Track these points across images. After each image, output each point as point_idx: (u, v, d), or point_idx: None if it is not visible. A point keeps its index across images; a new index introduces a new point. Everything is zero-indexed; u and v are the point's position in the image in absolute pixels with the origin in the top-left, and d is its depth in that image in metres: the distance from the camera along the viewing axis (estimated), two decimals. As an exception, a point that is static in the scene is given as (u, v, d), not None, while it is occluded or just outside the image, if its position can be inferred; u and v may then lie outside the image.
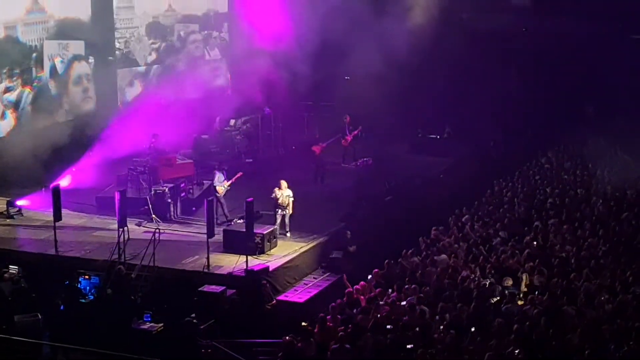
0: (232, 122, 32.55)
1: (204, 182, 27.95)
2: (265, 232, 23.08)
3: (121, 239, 22.29)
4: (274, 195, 24.44)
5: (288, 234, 24.66)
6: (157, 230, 22.63)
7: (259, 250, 22.84)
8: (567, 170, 29.74)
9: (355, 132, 32.07)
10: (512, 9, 39.65)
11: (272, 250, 23.26)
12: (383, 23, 33.25)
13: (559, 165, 30.47)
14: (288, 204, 24.49)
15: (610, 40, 37.87)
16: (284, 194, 24.44)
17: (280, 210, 24.50)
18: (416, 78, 34.97)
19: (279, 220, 24.45)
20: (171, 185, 26.26)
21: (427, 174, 30.77)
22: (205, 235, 22.28)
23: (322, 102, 35.89)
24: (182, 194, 26.55)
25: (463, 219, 24.86)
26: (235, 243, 22.97)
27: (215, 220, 23.41)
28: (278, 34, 32.94)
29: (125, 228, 22.60)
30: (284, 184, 24.51)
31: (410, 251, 22.25)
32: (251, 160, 30.58)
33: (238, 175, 25.96)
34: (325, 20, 31.71)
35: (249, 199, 22.47)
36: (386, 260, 21.50)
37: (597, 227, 23.02)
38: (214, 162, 28.61)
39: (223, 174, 25.62)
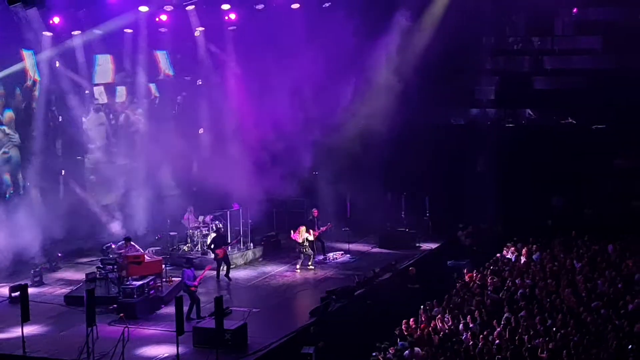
0: (201, 217, 32.59)
1: (173, 279, 27.95)
2: (234, 328, 22.93)
3: (90, 338, 22.03)
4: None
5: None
6: (127, 328, 22.41)
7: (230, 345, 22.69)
8: (536, 261, 29.81)
9: (324, 228, 32.22)
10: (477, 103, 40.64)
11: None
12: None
13: (529, 257, 30.55)
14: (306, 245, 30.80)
15: (576, 131, 38.62)
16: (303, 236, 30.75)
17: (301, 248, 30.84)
18: (386, 171, 35.63)
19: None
20: (140, 282, 26.14)
21: (396, 267, 30.83)
22: (175, 333, 22.11)
23: (292, 196, 36.32)
24: (151, 292, 26.42)
25: (433, 312, 24.83)
26: (205, 339, 22.78)
27: (185, 316, 23.29)
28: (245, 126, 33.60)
29: (94, 327, 22.36)
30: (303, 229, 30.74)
31: (384, 345, 22.17)
32: (219, 252, 30.55)
33: (207, 269, 26.28)
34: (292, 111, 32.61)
35: (218, 295, 22.40)
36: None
37: (567, 318, 23.03)
38: (183, 259, 28.81)
39: (191, 272, 25.59)
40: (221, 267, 29.72)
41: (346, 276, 30.16)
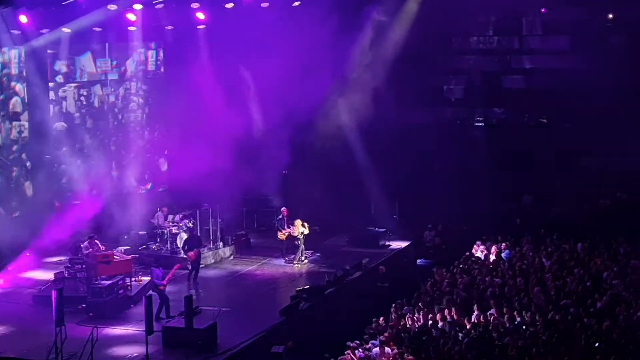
0: (170, 217, 32.48)
1: (142, 278, 27.85)
2: (204, 327, 22.87)
3: (58, 338, 21.89)
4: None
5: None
6: (95, 328, 22.29)
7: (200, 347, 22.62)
8: (505, 259, 29.96)
9: (294, 227, 32.17)
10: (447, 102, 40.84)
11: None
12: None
13: (498, 255, 30.70)
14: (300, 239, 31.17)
15: (544, 130, 38.88)
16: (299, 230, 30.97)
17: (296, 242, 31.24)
18: (356, 169, 35.73)
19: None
20: (109, 282, 26.01)
21: (366, 266, 30.87)
22: (144, 332, 22.01)
23: (262, 195, 36.35)
24: (120, 291, 26.30)
25: (403, 310, 24.91)
26: (175, 339, 22.70)
27: (154, 316, 23.20)
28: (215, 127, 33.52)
29: (63, 327, 22.22)
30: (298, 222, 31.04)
31: (353, 344, 22.19)
32: (191, 255, 30.45)
33: (175, 268, 26.20)
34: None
35: (188, 294, 22.35)
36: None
37: (536, 316, 23.16)
38: (152, 258, 28.71)
39: (160, 271, 25.51)
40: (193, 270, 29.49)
41: (316, 275, 30.16)
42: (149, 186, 36.99)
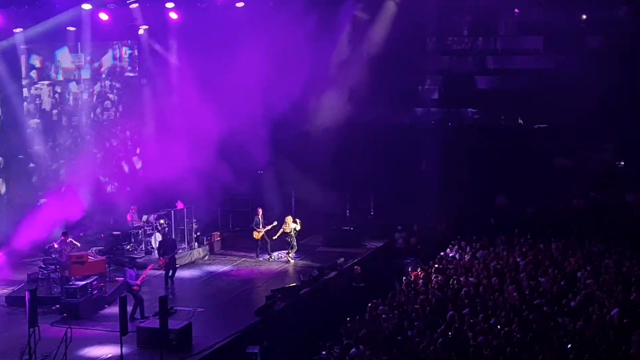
0: (145, 217, 32.37)
1: (117, 279, 27.75)
2: (179, 328, 22.80)
3: (32, 339, 21.76)
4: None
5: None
6: (70, 329, 22.18)
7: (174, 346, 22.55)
8: (479, 259, 30.05)
9: (269, 226, 32.21)
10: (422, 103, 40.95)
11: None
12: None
13: (473, 255, 30.78)
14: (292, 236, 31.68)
15: (518, 131, 39.04)
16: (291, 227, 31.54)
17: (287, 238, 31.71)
18: (331, 169, 35.79)
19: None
20: (83, 282, 25.89)
21: (342, 265, 30.88)
22: (119, 333, 21.93)
23: (238, 195, 36.38)
24: (95, 292, 26.19)
25: (379, 310, 24.92)
26: (149, 339, 22.63)
27: (129, 317, 23.12)
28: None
29: (37, 328, 22.08)
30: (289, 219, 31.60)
31: (328, 344, 22.20)
32: (165, 256, 30.39)
33: (149, 268, 26.25)
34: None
35: (163, 295, 22.29)
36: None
37: (511, 316, 23.25)
38: (126, 258, 28.61)
39: (134, 271, 25.43)
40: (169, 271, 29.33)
41: (291, 275, 30.16)
42: (114, 185, 36.83)
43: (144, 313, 25.10)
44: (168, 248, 29.13)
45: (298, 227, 31.97)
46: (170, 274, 29.03)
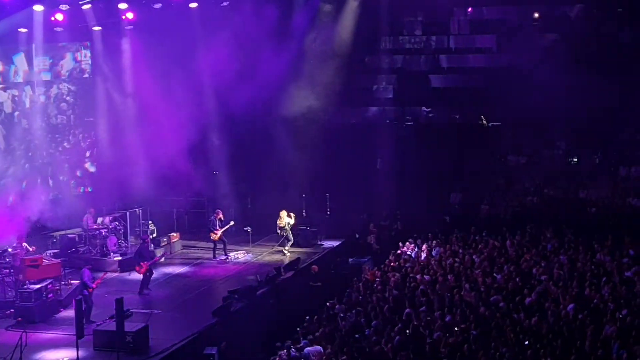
0: (100, 219, 32.15)
1: (72, 282, 27.52)
2: (135, 330, 22.69)
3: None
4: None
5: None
6: (25, 333, 21.99)
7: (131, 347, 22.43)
8: (435, 257, 30.19)
9: (226, 226, 32.14)
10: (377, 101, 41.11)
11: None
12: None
13: (429, 252, 30.93)
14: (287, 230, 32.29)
15: (472, 128, 39.35)
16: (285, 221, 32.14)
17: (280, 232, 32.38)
18: (287, 169, 35.84)
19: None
20: (38, 286, 25.65)
21: (298, 265, 30.92)
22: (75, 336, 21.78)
23: (192, 197, 36.30)
24: (50, 295, 25.96)
25: (336, 309, 24.97)
26: (106, 342, 22.49)
27: (85, 320, 22.95)
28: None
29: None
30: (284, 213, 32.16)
31: (287, 343, 22.22)
32: (120, 258, 30.21)
33: (104, 275, 26.12)
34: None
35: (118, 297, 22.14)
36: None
37: (467, 313, 23.38)
38: (82, 261, 28.40)
39: (91, 272, 25.24)
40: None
41: (248, 275, 30.11)
42: (80, 189, 36.56)
43: (89, 318, 24.62)
44: (147, 257, 28.71)
45: (292, 221, 32.56)
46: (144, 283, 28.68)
